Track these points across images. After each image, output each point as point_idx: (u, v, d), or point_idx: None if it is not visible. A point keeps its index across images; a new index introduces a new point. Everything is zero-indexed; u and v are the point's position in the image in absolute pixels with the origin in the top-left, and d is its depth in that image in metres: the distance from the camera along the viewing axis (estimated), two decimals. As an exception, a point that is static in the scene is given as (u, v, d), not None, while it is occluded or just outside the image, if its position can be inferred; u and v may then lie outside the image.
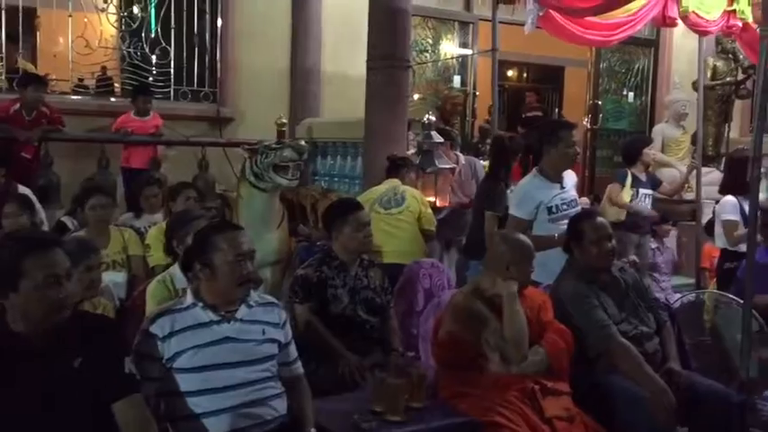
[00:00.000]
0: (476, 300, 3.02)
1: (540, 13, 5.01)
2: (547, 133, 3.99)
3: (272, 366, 2.54)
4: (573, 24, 5.23)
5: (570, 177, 4.08)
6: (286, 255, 4.22)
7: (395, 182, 4.96)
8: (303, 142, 4.29)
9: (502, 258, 3.06)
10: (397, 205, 4.85)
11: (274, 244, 4.06)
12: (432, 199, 5.21)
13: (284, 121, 6.23)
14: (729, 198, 4.98)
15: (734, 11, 5.90)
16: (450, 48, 8.35)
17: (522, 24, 5.32)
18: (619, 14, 5.31)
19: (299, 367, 2.68)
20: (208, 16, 7.31)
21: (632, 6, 5.28)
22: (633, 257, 5.81)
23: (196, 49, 7.26)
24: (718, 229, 5.30)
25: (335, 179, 6.80)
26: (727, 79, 8.93)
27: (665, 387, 3.03)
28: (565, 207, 3.91)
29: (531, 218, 3.87)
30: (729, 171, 5.28)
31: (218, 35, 7.36)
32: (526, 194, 3.94)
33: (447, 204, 5.26)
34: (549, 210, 3.86)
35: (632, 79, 9.73)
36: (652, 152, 8.08)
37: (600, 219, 3.47)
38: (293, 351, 2.67)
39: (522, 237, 3.23)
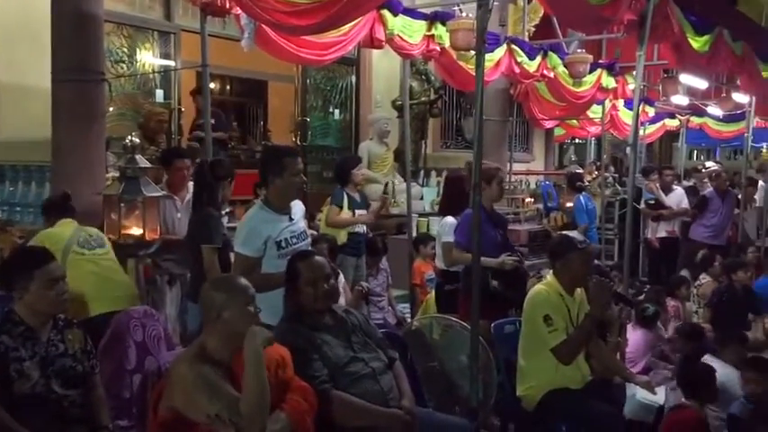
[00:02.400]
0: (202, 365, 2.54)
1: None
2: (271, 161, 3.66)
3: None
4: (287, 42, 5.00)
5: (299, 207, 3.81)
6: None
7: (73, 223, 4.25)
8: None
9: (212, 306, 2.64)
10: (100, 246, 4.18)
11: None
12: (138, 231, 4.57)
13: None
14: (449, 219, 5.11)
15: (433, 36, 6.17)
16: (150, 59, 7.63)
17: (233, 39, 4.96)
18: (331, 34, 5.21)
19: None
20: None
21: (344, 27, 5.22)
22: (364, 284, 5.78)
23: None
24: (438, 250, 5.45)
25: (17, 209, 5.79)
26: (423, 99, 9.55)
27: (397, 412, 3.02)
28: (295, 240, 3.62)
29: (259, 255, 3.51)
30: (446, 191, 5.43)
31: None
32: (252, 230, 3.56)
33: (157, 236, 4.67)
34: (279, 244, 3.54)
35: (337, 96, 9.89)
36: (361, 171, 8.33)
37: (317, 258, 3.26)
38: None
39: (236, 278, 2.87)
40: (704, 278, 7.88)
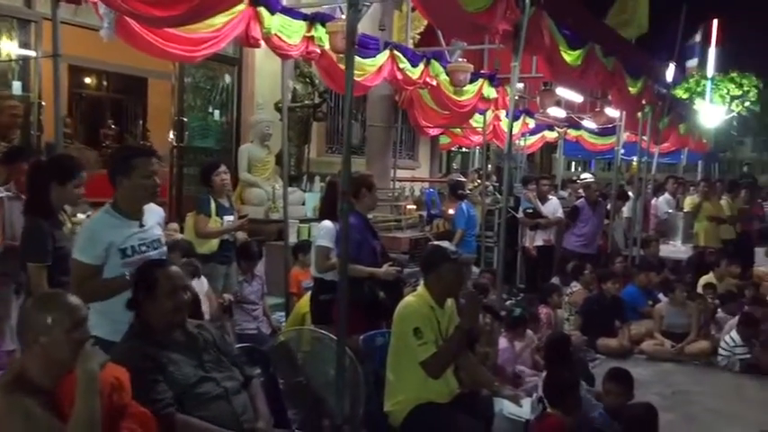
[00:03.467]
0: (18, 393, 2.21)
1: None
2: (118, 161, 3.33)
3: None
4: (152, 35, 4.68)
5: (155, 213, 3.51)
6: None
7: None
8: None
9: (30, 328, 2.33)
10: None
11: None
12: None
13: None
14: (326, 223, 4.91)
15: (312, 37, 6.01)
16: (9, 47, 7.01)
17: (92, 28, 4.58)
18: (202, 30, 4.93)
19: None
20: None
21: (216, 22, 4.96)
22: (228, 296, 5.51)
23: None
24: (313, 256, 5.25)
25: None
26: (306, 102, 9.35)
27: None
28: (144, 248, 3.30)
29: (98, 262, 3.17)
30: (327, 196, 5.24)
31: None
32: (93, 235, 3.22)
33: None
34: (123, 252, 3.21)
35: (217, 97, 9.51)
36: (244, 174, 8.06)
37: (174, 267, 3.01)
38: None
39: (63, 296, 2.46)
40: (575, 286, 8.12)
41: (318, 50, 6.14)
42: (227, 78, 9.57)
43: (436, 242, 4.43)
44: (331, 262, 4.72)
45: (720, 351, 7.05)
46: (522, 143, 13.14)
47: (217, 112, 9.55)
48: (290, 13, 5.81)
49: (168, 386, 2.76)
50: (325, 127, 11.20)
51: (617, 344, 7.24)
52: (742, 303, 7.89)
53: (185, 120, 8.97)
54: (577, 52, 6.33)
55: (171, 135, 9.06)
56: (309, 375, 4.03)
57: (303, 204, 8.69)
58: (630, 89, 8.16)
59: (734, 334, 6.99)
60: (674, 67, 10.53)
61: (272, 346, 4.16)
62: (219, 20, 4.95)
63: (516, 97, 6.61)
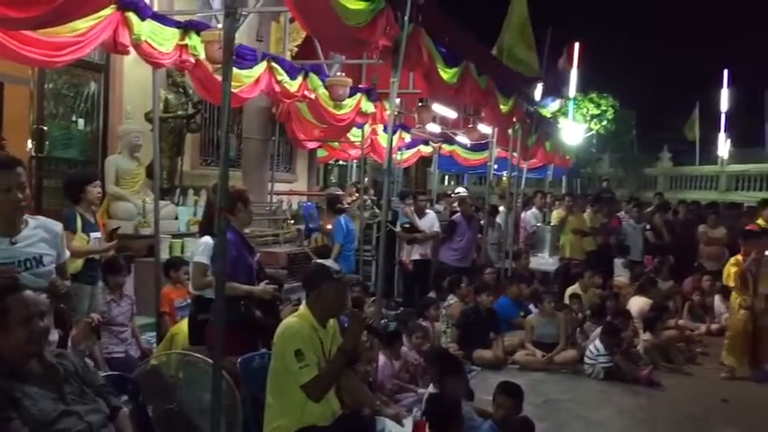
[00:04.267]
0: None
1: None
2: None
3: None
4: (7, 38, 4.29)
5: (45, 229, 3.30)
6: None
7: None
8: None
9: None
10: None
11: None
12: None
13: None
14: (206, 239, 4.68)
15: (186, 46, 5.77)
16: None
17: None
18: (64, 33, 4.59)
19: None
20: None
21: (80, 27, 4.63)
22: (95, 316, 5.14)
23: None
24: (191, 273, 4.99)
25: None
26: (179, 113, 9.00)
27: None
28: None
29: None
30: (207, 211, 5.00)
31: None
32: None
33: None
34: (-17, 271, 2.92)
35: (82, 104, 8.96)
36: (110, 188, 7.58)
37: (29, 292, 2.76)
38: None
39: None
40: (452, 299, 8.27)
41: (193, 60, 5.91)
42: (93, 86, 9.05)
43: (319, 261, 4.34)
44: (207, 279, 4.52)
45: (586, 359, 7.40)
46: (398, 157, 13.32)
47: (81, 121, 9.01)
48: (162, 19, 5.55)
49: (23, 423, 2.49)
50: (199, 138, 10.84)
51: (492, 355, 7.42)
52: (605, 313, 8.33)
53: (45, 128, 8.39)
54: (453, 70, 6.47)
55: (29, 144, 8.43)
56: (182, 402, 3.81)
57: (176, 219, 8.33)
58: (502, 107, 8.45)
59: (597, 343, 7.36)
60: (541, 86, 11.03)
61: (142, 372, 3.91)
62: (84, 24, 4.63)
63: (388, 112, 6.66)
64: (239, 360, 3.95)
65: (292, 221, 9.69)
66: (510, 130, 10.02)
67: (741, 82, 25.10)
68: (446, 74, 6.28)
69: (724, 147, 24.32)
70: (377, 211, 11.10)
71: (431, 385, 4.93)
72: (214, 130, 11.09)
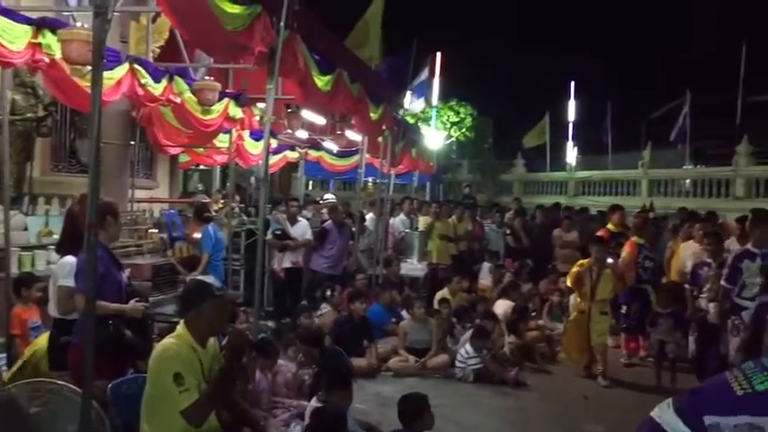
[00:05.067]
0: None
1: None
2: None
3: None
4: None
5: None
6: None
7: None
8: None
9: None
10: None
11: None
12: None
13: None
14: (68, 259, 4.30)
15: (40, 44, 5.32)
16: None
17: None
18: None
19: None
20: None
21: None
22: None
23: None
24: (53, 295, 4.60)
25: None
26: (28, 115, 8.31)
27: None
28: None
29: None
30: (66, 226, 4.60)
31: None
32: None
33: None
34: None
35: None
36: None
37: None
38: None
39: None
40: (325, 308, 8.21)
41: (47, 59, 5.45)
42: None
43: (199, 277, 4.12)
44: (75, 302, 4.17)
45: (457, 363, 7.59)
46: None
47: None
48: (12, 15, 5.07)
49: None
50: (50, 143, 10.06)
51: (366, 363, 7.43)
52: (474, 317, 8.58)
53: None
54: (327, 77, 6.42)
55: None
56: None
57: (25, 230, 7.67)
58: (372, 115, 8.50)
59: (468, 346, 7.57)
60: (410, 95, 11.23)
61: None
62: None
63: (264, 118, 6.50)
64: (109, 386, 3.66)
65: (156, 230, 9.22)
66: (380, 138, 10.10)
67: (587, 93, 26.88)
68: (320, 81, 6.22)
69: (572, 154, 25.90)
70: (245, 218, 10.83)
71: (313, 399, 4.83)
72: (67, 134, 10.35)
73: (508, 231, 12.90)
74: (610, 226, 9.86)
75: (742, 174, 18.06)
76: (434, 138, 18.08)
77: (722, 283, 6.49)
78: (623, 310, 8.53)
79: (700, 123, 22.74)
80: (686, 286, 7.77)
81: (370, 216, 11.86)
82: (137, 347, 4.23)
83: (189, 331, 3.45)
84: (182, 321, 3.52)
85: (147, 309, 4.49)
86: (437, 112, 21.68)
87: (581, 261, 8.16)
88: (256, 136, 11.07)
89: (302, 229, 9.44)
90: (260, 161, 11.94)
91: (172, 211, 10.58)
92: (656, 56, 34.65)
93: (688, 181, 20.36)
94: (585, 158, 26.51)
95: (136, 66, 6.55)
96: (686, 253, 8.80)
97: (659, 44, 33.95)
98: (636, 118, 27.28)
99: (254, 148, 11.25)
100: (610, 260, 7.97)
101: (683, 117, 22.66)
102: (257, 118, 8.92)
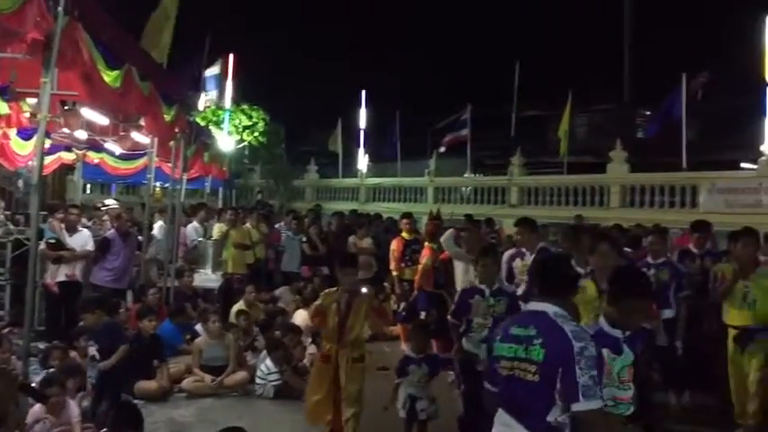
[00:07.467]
0: None
1: None
2: None
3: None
4: None
5: None
6: None
7: None
8: None
9: None
10: None
11: None
12: None
13: None
14: None
15: None
16: None
17: None
18: None
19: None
20: None
21: None
22: None
23: None
24: None
25: None
26: None
27: None
28: None
29: None
30: None
31: None
32: None
33: None
34: None
35: None
36: None
37: None
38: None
39: None
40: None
41: None
42: None
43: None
44: None
45: (257, 380, 7.24)
46: (34, 164, 11.67)
47: None
48: None
49: None
50: None
51: (156, 386, 6.84)
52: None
53: None
54: (116, 73, 5.75)
55: None
56: None
57: None
58: (165, 116, 7.88)
59: (269, 362, 7.25)
60: (204, 96, 10.66)
61: None
62: None
63: (39, 116, 5.70)
64: None
65: None
66: (172, 141, 9.43)
67: (377, 103, 27.59)
68: (108, 77, 5.55)
69: (363, 161, 26.41)
70: (11, 227, 9.57)
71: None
72: None
73: (304, 239, 12.73)
74: (404, 234, 10.05)
75: (516, 182, 19.54)
76: (227, 142, 17.45)
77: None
78: (422, 315, 8.66)
79: (479, 135, 24.23)
80: (449, 318, 5.87)
81: (159, 224, 11.09)
82: None
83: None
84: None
85: None
86: (230, 115, 21.02)
87: (327, 290, 5.85)
88: (25, 135, 9.89)
89: (83, 240, 8.53)
90: (29, 162, 10.72)
91: None
92: (440, 69, 36.75)
93: (469, 188, 21.63)
94: (376, 166, 27.19)
95: None
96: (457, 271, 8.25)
97: (443, 57, 36.05)
98: (422, 127, 28.48)
99: (22, 148, 10.05)
100: (364, 290, 5.66)
101: (459, 126, 23.77)
102: (27, 115, 7.91)
